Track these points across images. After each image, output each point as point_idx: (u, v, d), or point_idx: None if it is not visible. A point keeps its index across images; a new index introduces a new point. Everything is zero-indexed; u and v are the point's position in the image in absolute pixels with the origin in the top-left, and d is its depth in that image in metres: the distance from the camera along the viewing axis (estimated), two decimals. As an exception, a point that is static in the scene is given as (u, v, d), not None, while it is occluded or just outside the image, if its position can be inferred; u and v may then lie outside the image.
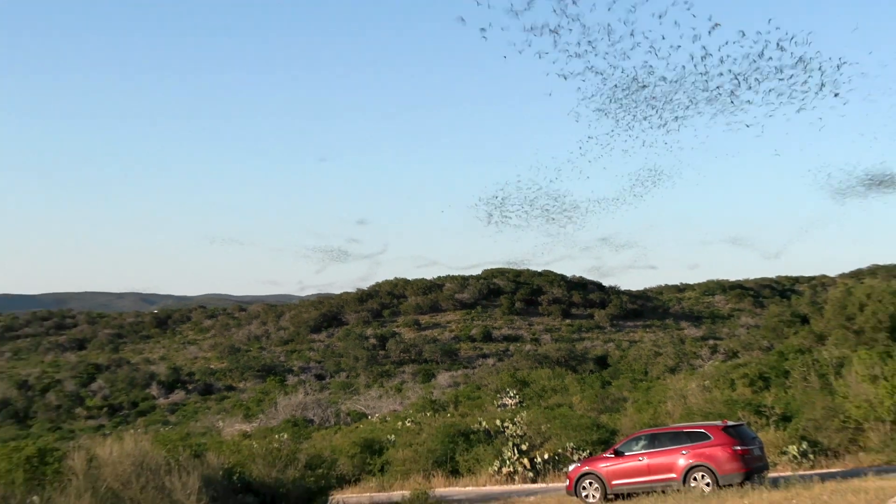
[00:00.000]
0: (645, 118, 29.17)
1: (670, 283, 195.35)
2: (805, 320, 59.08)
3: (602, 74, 27.86)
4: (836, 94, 26.95)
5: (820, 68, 26.69)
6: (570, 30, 22.51)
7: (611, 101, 28.11)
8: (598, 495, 25.58)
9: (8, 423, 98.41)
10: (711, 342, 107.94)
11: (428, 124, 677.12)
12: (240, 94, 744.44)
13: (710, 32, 23.40)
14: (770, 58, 27.47)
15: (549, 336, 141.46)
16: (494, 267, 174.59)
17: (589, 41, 23.86)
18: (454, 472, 35.44)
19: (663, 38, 24.49)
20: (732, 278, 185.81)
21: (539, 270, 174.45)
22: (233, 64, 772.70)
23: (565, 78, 26.08)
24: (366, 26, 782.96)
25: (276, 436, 41.34)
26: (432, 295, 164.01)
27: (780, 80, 27.49)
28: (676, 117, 30.60)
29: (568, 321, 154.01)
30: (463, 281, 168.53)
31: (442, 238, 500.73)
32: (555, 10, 21.87)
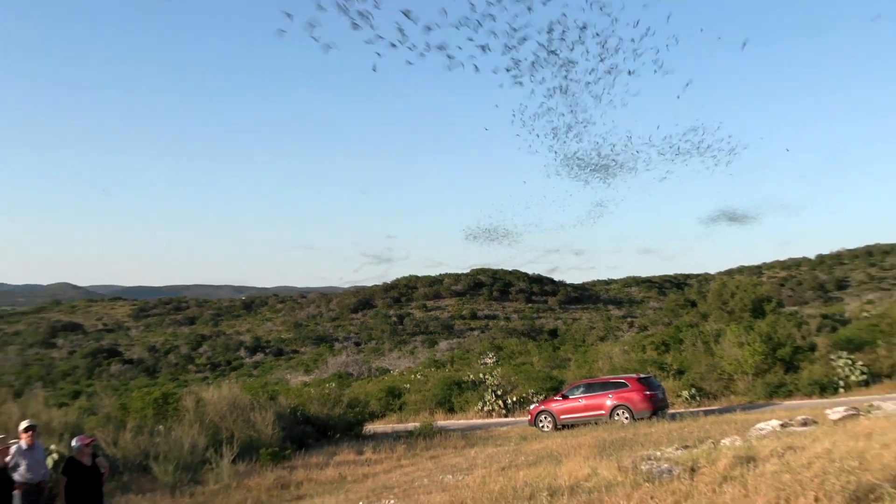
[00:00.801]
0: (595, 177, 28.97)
1: (601, 278, 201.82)
2: (694, 304, 57.47)
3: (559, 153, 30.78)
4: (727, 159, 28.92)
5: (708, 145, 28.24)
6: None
7: (569, 167, 27.98)
8: (550, 426, 26.21)
9: (141, 376, 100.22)
10: (629, 320, 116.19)
11: (435, 165, 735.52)
12: (316, 146, 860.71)
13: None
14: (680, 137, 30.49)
15: (516, 315, 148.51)
16: (479, 267, 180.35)
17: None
18: (450, 410, 35.73)
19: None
20: (644, 275, 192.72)
21: (510, 269, 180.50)
22: (327, 123, 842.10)
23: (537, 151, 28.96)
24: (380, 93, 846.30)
25: (327, 385, 40.03)
26: (435, 287, 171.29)
27: (687, 151, 29.14)
28: (616, 175, 32.52)
29: (530, 305, 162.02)
30: (457, 277, 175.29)
31: (443, 247, 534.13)
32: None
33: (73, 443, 11.30)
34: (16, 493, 10.73)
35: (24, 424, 11.21)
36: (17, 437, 11.20)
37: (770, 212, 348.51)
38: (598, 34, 14.98)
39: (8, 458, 10.73)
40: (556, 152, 25.61)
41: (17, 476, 10.77)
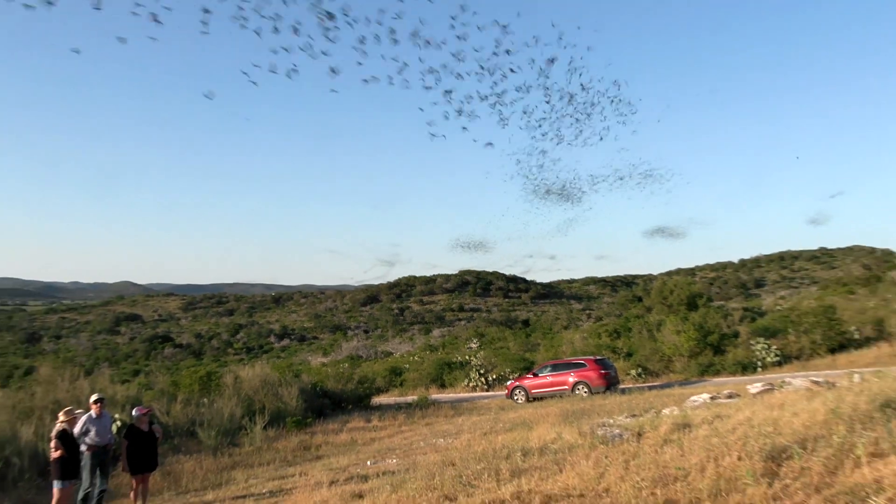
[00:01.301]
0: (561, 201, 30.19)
1: (565, 278, 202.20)
2: (640, 299, 57.43)
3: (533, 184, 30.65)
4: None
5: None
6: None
7: (537, 195, 29.51)
8: (523, 399, 25.89)
9: (189, 357, 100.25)
10: (588, 312, 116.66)
11: (431, 188, 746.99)
12: (333, 166, 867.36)
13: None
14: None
15: (496, 308, 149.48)
16: (465, 269, 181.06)
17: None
18: (442, 386, 35.51)
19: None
20: (599, 276, 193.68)
21: (490, 270, 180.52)
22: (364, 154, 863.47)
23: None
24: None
25: (341, 365, 40.06)
26: (430, 285, 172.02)
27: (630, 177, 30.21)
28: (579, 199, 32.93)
29: (507, 300, 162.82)
30: (448, 277, 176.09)
31: (437, 252, 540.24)
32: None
33: (133, 412, 11.52)
34: (87, 452, 10.78)
35: (94, 397, 11.25)
36: (88, 408, 11.26)
37: (695, 225, 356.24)
38: (571, 96, 14.91)
39: (77, 427, 10.78)
40: (531, 183, 25.82)
41: (87, 440, 10.82)
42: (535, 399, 25.57)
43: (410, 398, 29.12)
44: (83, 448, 10.81)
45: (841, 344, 28.61)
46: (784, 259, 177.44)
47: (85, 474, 10.76)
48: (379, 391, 32.73)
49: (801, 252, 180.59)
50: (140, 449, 10.96)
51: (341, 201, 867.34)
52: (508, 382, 28.52)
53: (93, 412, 11.07)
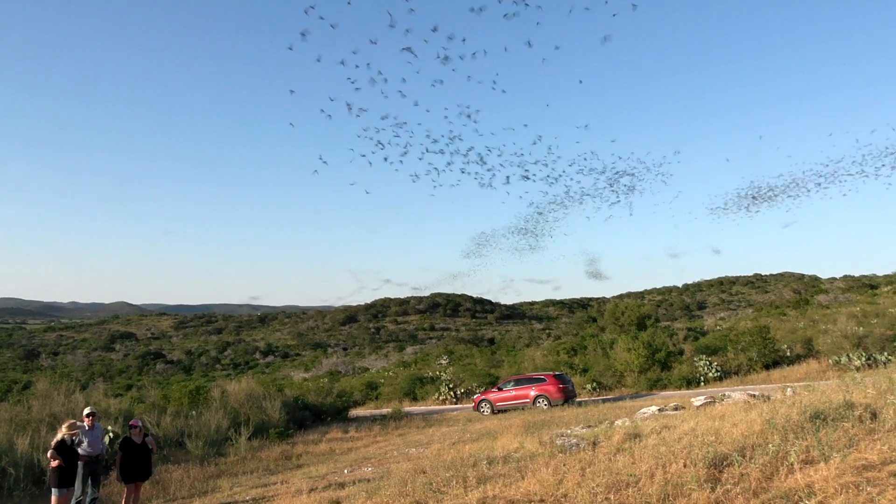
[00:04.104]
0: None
1: (527, 300, 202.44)
2: (594, 320, 57.84)
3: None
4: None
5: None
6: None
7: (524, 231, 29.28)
8: (489, 411, 25.65)
9: (179, 373, 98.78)
10: (547, 331, 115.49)
11: (409, 225, 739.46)
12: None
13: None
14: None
15: (464, 328, 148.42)
16: (436, 292, 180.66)
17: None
18: (414, 399, 35.27)
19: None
20: (558, 298, 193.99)
21: (459, 293, 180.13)
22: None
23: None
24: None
25: (321, 380, 40.26)
26: (404, 306, 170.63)
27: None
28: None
29: (474, 320, 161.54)
30: (420, 298, 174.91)
31: (415, 275, 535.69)
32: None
33: (130, 425, 11.33)
34: (79, 462, 10.66)
35: (86, 411, 11.24)
36: (82, 420, 11.20)
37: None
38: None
39: (75, 437, 10.69)
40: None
41: (80, 450, 10.74)
42: (499, 411, 25.34)
43: (385, 411, 28.92)
44: None
45: (774, 361, 28.84)
46: (723, 284, 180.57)
47: (77, 483, 10.65)
48: (356, 404, 32.72)
49: (738, 278, 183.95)
50: (133, 460, 10.81)
51: (318, 227, 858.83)
52: (475, 396, 28.28)
53: (85, 425, 11.04)
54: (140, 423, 11.27)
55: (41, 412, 17.60)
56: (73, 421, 10.91)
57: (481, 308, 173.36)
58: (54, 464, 10.14)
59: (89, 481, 10.87)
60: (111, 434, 14.24)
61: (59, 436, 10.44)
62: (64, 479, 10.18)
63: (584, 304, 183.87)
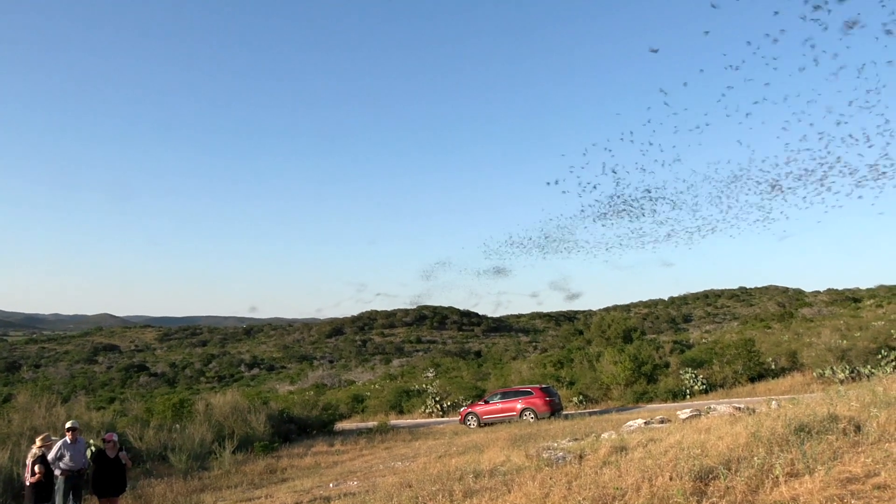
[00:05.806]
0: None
1: (514, 313, 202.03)
2: (581, 333, 57.73)
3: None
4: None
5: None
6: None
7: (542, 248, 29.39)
8: (475, 424, 25.55)
9: (163, 385, 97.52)
10: (534, 344, 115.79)
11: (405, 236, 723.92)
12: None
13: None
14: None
15: (451, 340, 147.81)
16: (423, 304, 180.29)
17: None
18: (401, 412, 35.14)
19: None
20: (545, 311, 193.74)
21: (446, 305, 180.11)
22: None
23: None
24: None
25: (307, 393, 40.00)
26: (391, 318, 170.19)
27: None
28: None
29: (461, 332, 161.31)
30: (407, 311, 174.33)
31: (400, 289, 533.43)
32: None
33: (104, 439, 11.33)
34: (60, 477, 10.53)
35: (68, 424, 11.07)
36: (64, 434, 11.04)
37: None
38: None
39: (52, 452, 10.59)
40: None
41: (62, 464, 10.58)
42: (486, 424, 25.23)
43: (371, 424, 28.77)
44: (57, 472, 10.56)
45: (759, 373, 28.89)
46: (708, 297, 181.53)
47: (58, 498, 10.51)
48: (342, 417, 32.19)
49: (723, 291, 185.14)
50: (106, 474, 10.76)
51: (304, 241, 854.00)
52: (462, 409, 28.25)
53: (67, 438, 10.89)
54: (115, 438, 11.21)
55: (21, 425, 17.30)
56: (46, 434, 10.89)
57: (468, 321, 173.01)
58: (33, 479, 10.01)
59: (71, 496, 10.68)
60: (93, 448, 14.08)
61: (33, 450, 10.37)
62: (41, 495, 10.09)
63: (570, 316, 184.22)
